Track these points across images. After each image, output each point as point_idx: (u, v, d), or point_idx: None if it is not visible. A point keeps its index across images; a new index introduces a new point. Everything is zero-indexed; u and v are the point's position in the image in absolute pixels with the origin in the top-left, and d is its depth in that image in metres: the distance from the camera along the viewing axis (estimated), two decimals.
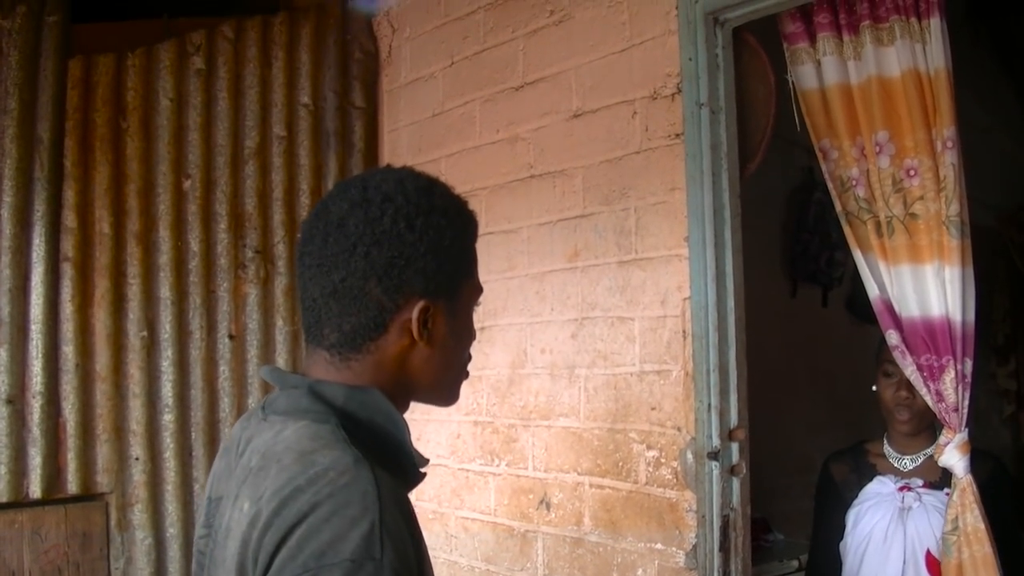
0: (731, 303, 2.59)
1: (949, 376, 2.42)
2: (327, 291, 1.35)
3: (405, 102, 3.67)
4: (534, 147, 3.12)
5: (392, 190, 1.36)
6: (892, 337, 2.52)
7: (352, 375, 1.37)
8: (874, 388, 2.73)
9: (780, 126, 2.79)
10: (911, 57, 2.45)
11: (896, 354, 2.51)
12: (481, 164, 3.31)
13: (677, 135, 2.67)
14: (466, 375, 1.51)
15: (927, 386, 2.46)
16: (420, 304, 1.35)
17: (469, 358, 1.51)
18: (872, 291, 2.59)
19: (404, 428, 1.37)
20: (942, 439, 2.48)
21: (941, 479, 2.63)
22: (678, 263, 2.65)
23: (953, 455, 2.45)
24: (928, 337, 2.43)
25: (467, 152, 3.37)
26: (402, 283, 1.34)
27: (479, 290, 1.49)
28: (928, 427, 2.69)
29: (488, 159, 3.29)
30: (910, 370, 2.49)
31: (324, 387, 1.35)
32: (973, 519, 2.42)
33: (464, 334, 1.47)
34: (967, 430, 2.47)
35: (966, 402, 2.44)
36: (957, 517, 2.43)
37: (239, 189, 3.38)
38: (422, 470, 1.41)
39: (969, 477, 2.45)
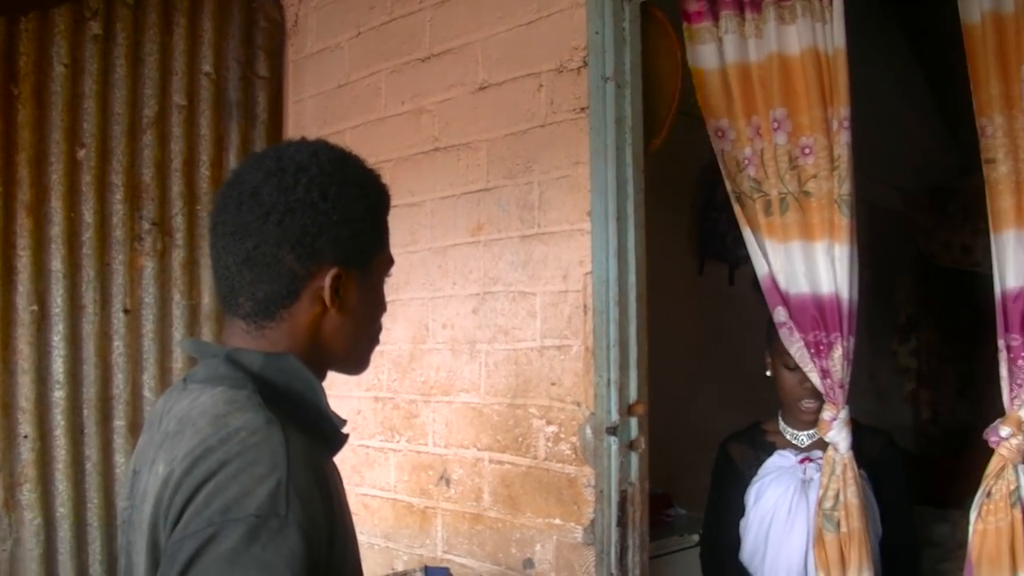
0: (632, 278, 2.58)
1: (837, 353, 2.44)
2: (240, 259, 1.37)
3: (311, 73, 3.60)
4: (439, 120, 3.08)
5: (306, 160, 1.39)
6: (780, 314, 2.54)
7: (268, 343, 1.40)
8: (768, 374, 2.74)
9: (692, 105, 2.79)
10: (811, 35, 2.46)
11: (783, 331, 2.53)
12: (386, 136, 3.26)
13: (582, 109, 2.65)
14: (376, 343, 1.55)
15: (814, 362, 2.48)
16: (332, 272, 1.39)
17: (380, 328, 1.56)
18: (761, 269, 2.61)
19: (321, 392, 1.41)
20: (827, 415, 2.50)
21: None
22: (580, 238, 2.64)
23: (840, 431, 2.48)
24: (818, 314, 2.45)
25: (372, 124, 3.32)
26: (314, 251, 1.37)
27: (390, 262, 1.53)
28: None
29: (393, 131, 3.24)
30: (797, 347, 2.51)
31: (241, 355, 1.38)
32: (852, 494, 2.46)
33: (375, 303, 1.52)
34: (848, 407, 2.51)
35: (849, 378, 2.48)
36: (839, 492, 2.47)
37: (136, 159, 3.27)
38: (344, 431, 1.45)
39: (851, 452, 2.49)
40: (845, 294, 2.44)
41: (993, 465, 2.26)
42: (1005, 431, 2.23)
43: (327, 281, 1.39)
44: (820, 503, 2.49)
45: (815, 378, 2.50)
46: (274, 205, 1.35)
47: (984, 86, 2.22)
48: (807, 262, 2.48)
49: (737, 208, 2.65)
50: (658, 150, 2.80)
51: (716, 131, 2.70)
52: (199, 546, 1.15)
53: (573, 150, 2.67)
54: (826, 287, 2.46)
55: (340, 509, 1.35)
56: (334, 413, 1.44)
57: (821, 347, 2.46)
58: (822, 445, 2.69)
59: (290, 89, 3.70)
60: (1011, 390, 2.24)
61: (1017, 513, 2.22)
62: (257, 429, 1.25)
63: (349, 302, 1.43)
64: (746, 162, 2.60)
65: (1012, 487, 2.22)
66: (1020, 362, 2.21)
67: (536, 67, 2.78)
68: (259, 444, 1.23)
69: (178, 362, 3.33)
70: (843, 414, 2.48)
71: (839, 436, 2.48)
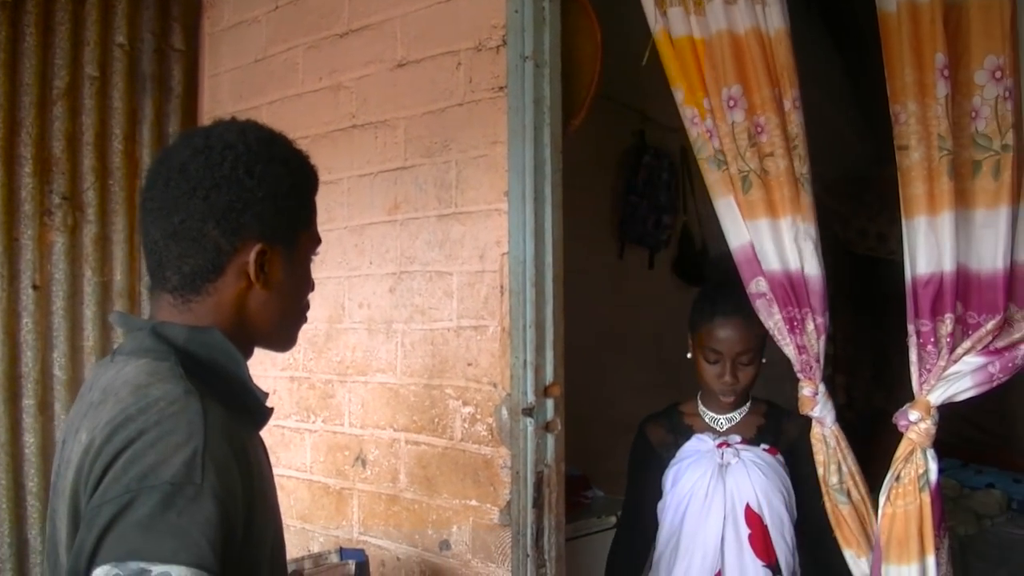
0: (549, 259, 2.58)
1: (811, 327, 2.45)
2: (167, 233, 1.41)
3: (227, 46, 3.54)
4: (357, 96, 3.05)
5: (234, 139, 1.44)
6: (760, 284, 2.51)
7: (193, 317, 1.44)
8: (689, 355, 2.75)
9: (614, 88, 2.79)
10: (752, 16, 2.45)
11: (760, 303, 2.51)
12: (303, 112, 3.22)
13: (500, 88, 2.63)
14: (304, 321, 1.60)
15: (789, 338, 2.47)
16: (257, 247, 1.43)
17: (307, 305, 1.60)
18: (737, 239, 2.57)
19: (244, 366, 1.45)
20: (807, 391, 2.49)
21: (756, 435, 2.69)
22: (497, 217, 2.63)
23: (824, 406, 2.48)
24: (790, 290, 2.45)
25: (289, 100, 3.28)
26: (239, 226, 1.41)
27: (317, 240, 1.58)
28: (747, 398, 2.74)
29: (310, 107, 3.20)
30: (775, 320, 2.49)
31: (166, 328, 1.42)
32: (852, 461, 2.47)
33: (301, 280, 1.56)
34: (824, 383, 2.52)
35: (824, 353, 2.48)
36: (840, 464, 2.47)
37: (46, 132, 3.17)
38: (268, 405, 1.50)
39: (838, 424, 2.50)
40: (814, 271, 2.44)
41: (902, 449, 2.30)
42: (914, 415, 2.27)
43: (252, 256, 1.43)
44: (825, 481, 2.48)
45: (791, 353, 2.50)
46: (200, 181, 1.39)
47: (899, 74, 2.24)
48: (774, 239, 2.47)
49: (708, 177, 2.60)
50: (578, 133, 2.80)
51: (680, 97, 2.65)
52: (116, 512, 1.17)
53: (491, 129, 2.66)
54: (794, 264, 2.45)
55: (261, 483, 1.38)
56: (257, 387, 1.47)
57: (795, 323, 2.45)
58: (740, 429, 2.71)
59: (206, 63, 3.64)
60: (920, 375, 2.28)
61: (925, 497, 2.26)
62: (176, 399, 1.28)
63: (274, 278, 1.47)
64: (711, 133, 2.57)
65: (920, 471, 2.26)
66: (929, 347, 2.25)
67: (455, 45, 2.76)
68: (177, 414, 1.26)
69: (89, 340, 3.25)
70: (823, 388, 2.49)
71: (824, 410, 2.48)
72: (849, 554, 2.48)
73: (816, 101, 5.82)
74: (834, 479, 2.47)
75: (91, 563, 1.17)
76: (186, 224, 1.40)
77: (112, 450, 1.23)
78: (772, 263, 2.48)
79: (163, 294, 1.46)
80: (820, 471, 2.51)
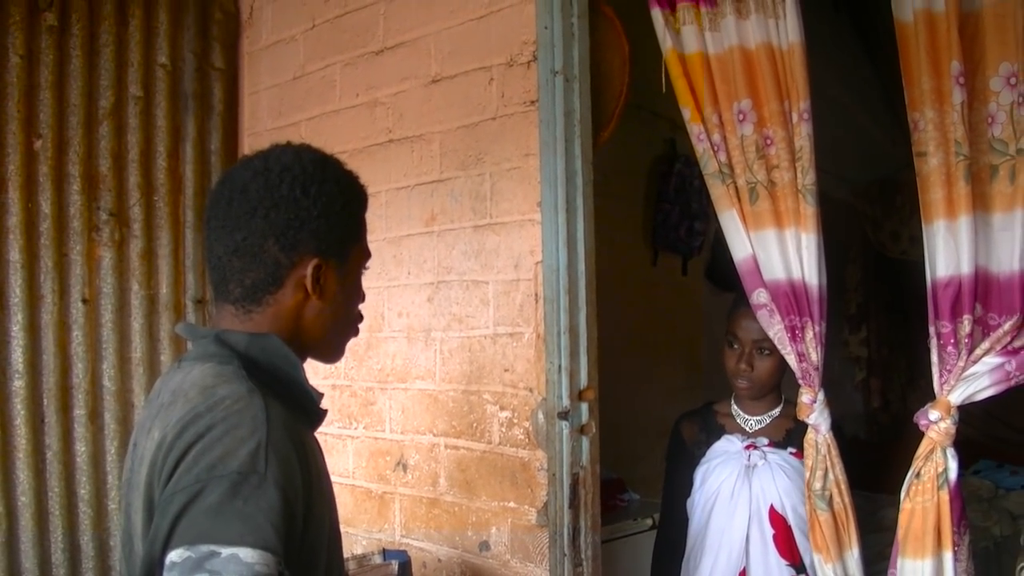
0: (582, 267, 2.64)
1: (809, 336, 2.50)
2: (230, 249, 1.53)
3: (266, 64, 3.63)
4: (393, 112, 3.12)
5: (290, 161, 1.55)
6: (761, 296, 2.57)
7: (253, 325, 1.55)
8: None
9: (643, 98, 2.84)
10: (765, 32, 2.51)
11: (762, 313, 2.57)
12: (341, 128, 3.30)
13: (532, 102, 2.70)
14: (355, 332, 1.71)
15: (791, 346, 2.53)
16: (313, 262, 1.54)
17: (360, 316, 1.71)
18: (740, 252, 2.62)
19: (301, 369, 1.56)
20: (806, 398, 2.55)
21: (784, 439, 2.75)
22: (531, 228, 2.70)
23: (821, 413, 2.54)
24: (793, 299, 2.50)
25: (327, 116, 3.36)
26: (297, 242, 1.52)
27: (367, 254, 1.69)
28: (772, 391, 2.80)
29: (348, 123, 3.28)
30: (776, 329, 2.55)
31: (228, 335, 1.53)
32: (840, 471, 2.53)
33: (353, 292, 1.66)
34: (824, 389, 2.57)
35: (822, 362, 2.53)
36: (827, 471, 2.53)
37: (93, 150, 3.28)
38: (322, 407, 1.62)
39: (832, 433, 2.55)
40: (814, 280, 2.49)
41: (923, 447, 2.35)
42: (934, 415, 2.32)
43: (308, 270, 1.54)
44: (809, 485, 2.54)
45: (792, 360, 2.56)
46: (261, 201, 1.51)
47: (916, 82, 2.29)
48: (780, 249, 2.52)
49: (714, 192, 2.66)
50: (609, 143, 2.85)
51: (687, 115, 2.71)
52: (187, 500, 1.28)
53: (523, 142, 2.72)
54: (796, 273, 2.50)
55: (319, 476, 1.50)
56: (313, 388, 1.58)
57: (796, 331, 2.51)
58: (769, 432, 2.78)
59: (245, 81, 3.73)
60: (940, 376, 2.32)
61: (943, 495, 2.30)
62: (240, 397, 1.39)
63: (329, 290, 1.58)
64: (717, 148, 2.63)
65: (940, 469, 2.31)
66: (950, 348, 2.29)
67: (487, 61, 2.83)
68: (242, 410, 1.37)
69: (137, 351, 3.34)
70: (821, 396, 2.54)
71: (820, 418, 2.54)
72: (818, 558, 2.55)
73: (846, 104, 5.87)
74: (818, 485, 2.54)
75: (165, 548, 1.27)
76: (248, 241, 1.51)
77: (183, 444, 1.34)
78: (777, 272, 2.54)
79: (226, 305, 1.58)
80: (806, 475, 2.57)
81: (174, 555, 1.25)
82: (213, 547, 1.23)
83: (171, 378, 1.54)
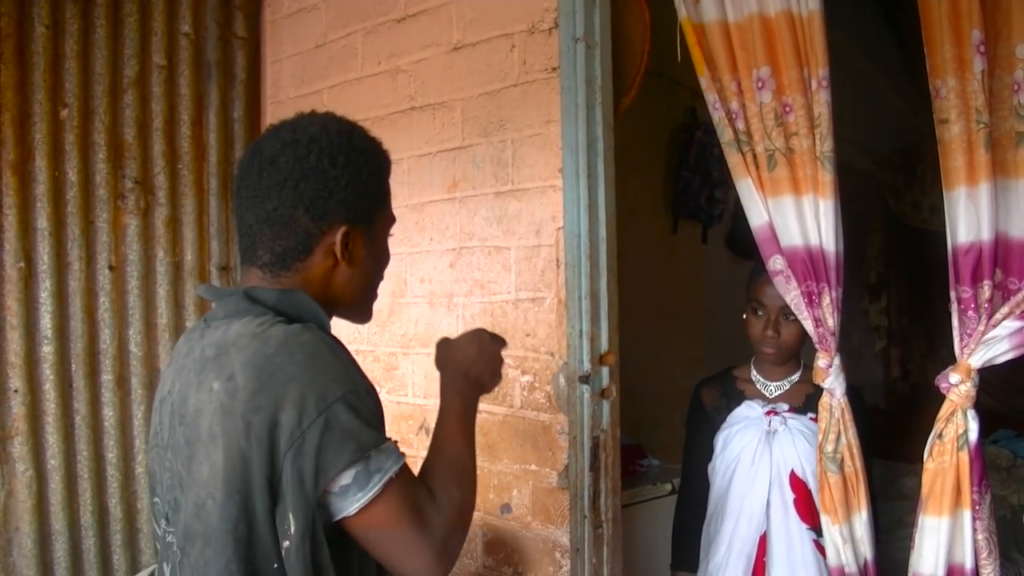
0: (603, 232, 2.66)
1: (826, 301, 2.51)
2: (261, 218, 1.59)
3: (288, 33, 3.65)
4: (415, 79, 3.14)
5: (318, 132, 1.60)
6: (777, 262, 2.58)
7: (280, 287, 1.62)
8: (744, 317, 2.84)
9: (664, 66, 2.85)
10: (784, 0, 2.52)
11: (778, 279, 2.58)
12: (363, 96, 3.32)
13: (553, 69, 2.71)
14: (376, 296, 1.78)
15: (808, 311, 2.55)
16: (342, 229, 1.60)
17: (382, 278, 1.77)
18: (756, 219, 2.63)
19: (327, 323, 1.64)
20: (822, 362, 2.56)
21: (804, 404, 2.77)
22: (552, 194, 2.71)
23: (836, 378, 2.56)
24: (810, 264, 2.51)
25: (349, 84, 3.38)
26: (326, 211, 1.58)
27: (392, 219, 1.76)
28: (792, 357, 2.81)
29: (370, 91, 3.30)
30: (793, 295, 2.56)
31: (257, 292, 1.60)
32: (852, 435, 2.55)
33: (380, 256, 1.74)
34: (840, 354, 2.58)
35: (839, 327, 2.55)
36: (840, 434, 2.55)
37: (118, 119, 3.31)
38: None
39: (847, 396, 2.57)
40: (831, 247, 2.50)
41: (944, 410, 2.37)
42: (955, 378, 2.34)
43: (338, 238, 1.60)
44: (821, 448, 2.57)
45: (809, 326, 2.57)
46: (290, 172, 1.57)
47: (938, 49, 2.29)
48: (798, 216, 2.53)
49: (730, 159, 2.67)
50: (630, 110, 2.86)
51: (705, 83, 2.71)
52: (321, 432, 1.42)
53: (545, 109, 2.74)
54: (813, 240, 2.51)
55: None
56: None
57: (813, 296, 2.52)
58: (789, 397, 2.80)
59: (268, 49, 3.75)
60: (961, 340, 2.34)
61: (963, 456, 2.32)
62: (299, 332, 1.50)
63: (357, 255, 1.64)
64: (735, 115, 2.64)
65: (960, 431, 2.33)
66: (970, 313, 2.31)
67: (509, 28, 2.84)
68: (309, 343, 1.48)
69: (163, 317, 3.40)
70: (837, 361, 2.56)
71: (836, 382, 2.56)
72: (826, 519, 2.57)
73: (868, 74, 5.85)
74: (830, 448, 2.56)
75: (318, 479, 1.43)
76: (279, 211, 1.57)
77: (277, 385, 1.43)
78: (794, 238, 2.54)
79: (253, 268, 1.64)
80: (819, 437, 2.59)
81: (345, 477, 1.45)
82: (369, 452, 1.46)
83: (205, 336, 1.59)
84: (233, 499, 1.44)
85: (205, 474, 1.47)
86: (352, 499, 1.46)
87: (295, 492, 1.43)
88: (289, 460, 1.42)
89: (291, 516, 1.44)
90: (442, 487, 1.58)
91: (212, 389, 1.48)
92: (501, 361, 1.90)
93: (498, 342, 1.90)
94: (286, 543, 1.45)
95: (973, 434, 2.32)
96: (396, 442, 1.53)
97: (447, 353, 1.86)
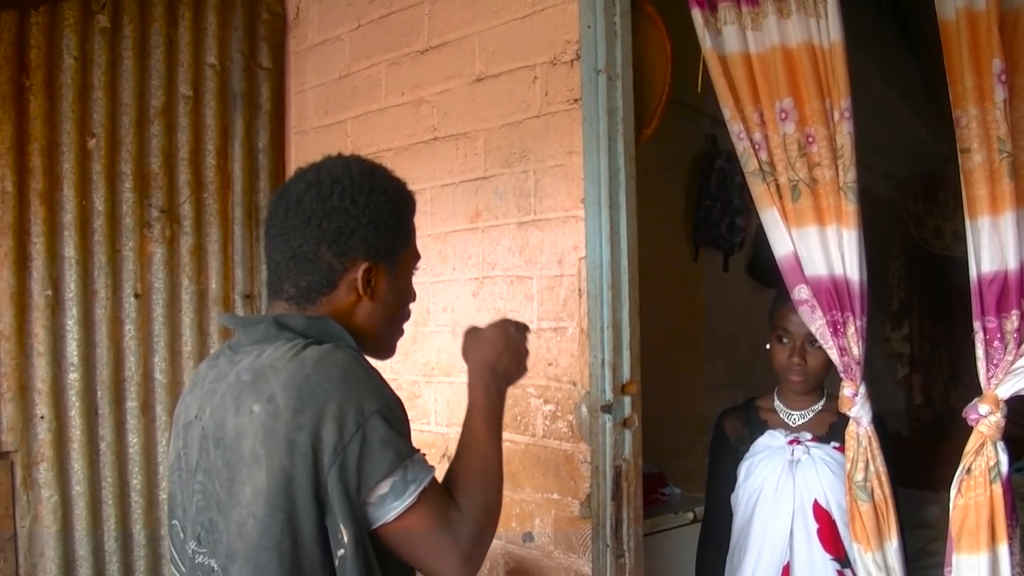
0: (625, 263, 2.67)
1: (851, 330, 2.50)
2: (287, 255, 1.67)
3: (312, 64, 3.68)
4: (438, 110, 3.17)
5: (340, 173, 1.68)
6: (803, 292, 2.57)
7: (306, 316, 1.68)
8: (767, 347, 2.83)
9: (685, 94, 2.85)
10: (806, 31, 2.50)
11: (804, 308, 2.57)
12: (386, 126, 3.35)
13: (575, 100, 2.73)
14: (401, 332, 1.84)
15: (833, 340, 2.53)
16: (364, 266, 1.67)
17: (408, 314, 1.84)
18: (781, 248, 2.62)
19: (355, 344, 1.67)
20: (848, 391, 2.55)
21: (827, 433, 2.75)
22: (575, 224, 2.73)
23: (863, 406, 2.54)
24: (834, 294, 2.50)
25: (373, 114, 3.41)
26: (348, 248, 1.65)
27: (417, 256, 1.81)
28: (818, 385, 2.80)
29: (393, 121, 3.32)
30: (818, 324, 2.55)
31: (286, 318, 1.66)
32: (880, 463, 2.53)
33: (403, 292, 1.79)
34: (866, 383, 2.57)
35: (863, 356, 2.54)
36: (868, 463, 2.53)
37: (144, 148, 3.35)
38: None
39: (873, 425, 2.55)
40: (855, 276, 2.49)
41: (972, 442, 2.33)
42: (983, 409, 2.31)
43: (359, 273, 1.67)
44: (850, 477, 2.55)
45: (834, 355, 2.56)
46: (314, 211, 1.64)
47: (959, 79, 2.29)
48: (822, 246, 2.53)
49: (754, 189, 2.67)
50: (651, 140, 2.87)
51: (728, 114, 2.70)
52: (361, 444, 1.50)
53: (567, 140, 2.75)
54: (837, 269, 2.51)
55: None
56: None
57: (838, 326, 2.52)
58: (812, 426, 2.78)
59: (292, 80, 3.79)
60: (987, 370, 2.32)
61: (996, 488, 2.29)
62: (332, 351, 1.57)
63: (379, 291, 1.71)
64: (758, 146, 2.63)
65: (991, 463, 2.29)
66: (996, 343, 2.29)
67: (531, 60, 2.86)
68: (342, 360, 1.56)
69: (188, 345, 3.42)
70: (863, 389, 2.55)
71: (862, 411, 2.54)
72: (858, 548, 2.54)
73: (889, 100, 5.85)
74: (859, 476, 2.54)
75: (360, 489, 1.51)
76: (303, 248, 1.65)
77: (316, 403, 1.50)
78: (819, 268, 2.54)
79: (279, 301, 1.71)
80: (848, 467, 2.57)
81: (383, 486, 1.52)
82: (405, 463, 1.53)
83: (237, 363, 1.65)
84: (276, 517, 1.49)
85: (248, 494, 1.52)
86: (390, 508, 1.53)
87: (342, 503, 1.49)
88: (334, 473, 1.48)
89: (342, 527, 1.50)
90: (467, 495, 1.63)
91: (252, 411, 1.54)
92: (527, 352, 1.93)
93: (523, 330, 1.94)
94: (340, 552, 1.51)
95: (1004, 466, 2.29)
96: (424, 453, 1.59)
97: (475, 345, 1.88)
